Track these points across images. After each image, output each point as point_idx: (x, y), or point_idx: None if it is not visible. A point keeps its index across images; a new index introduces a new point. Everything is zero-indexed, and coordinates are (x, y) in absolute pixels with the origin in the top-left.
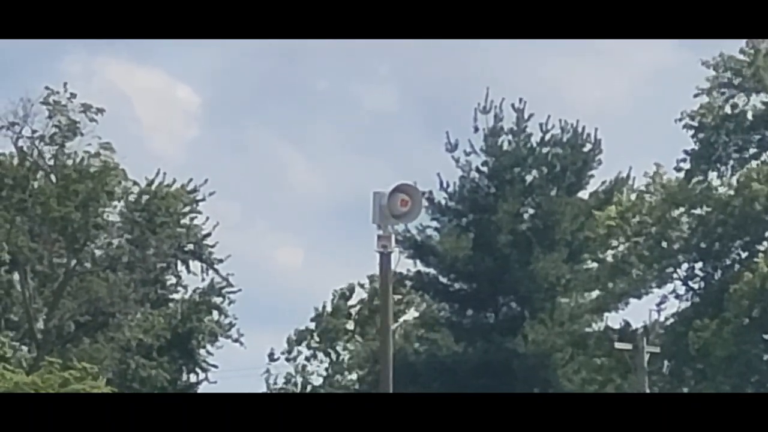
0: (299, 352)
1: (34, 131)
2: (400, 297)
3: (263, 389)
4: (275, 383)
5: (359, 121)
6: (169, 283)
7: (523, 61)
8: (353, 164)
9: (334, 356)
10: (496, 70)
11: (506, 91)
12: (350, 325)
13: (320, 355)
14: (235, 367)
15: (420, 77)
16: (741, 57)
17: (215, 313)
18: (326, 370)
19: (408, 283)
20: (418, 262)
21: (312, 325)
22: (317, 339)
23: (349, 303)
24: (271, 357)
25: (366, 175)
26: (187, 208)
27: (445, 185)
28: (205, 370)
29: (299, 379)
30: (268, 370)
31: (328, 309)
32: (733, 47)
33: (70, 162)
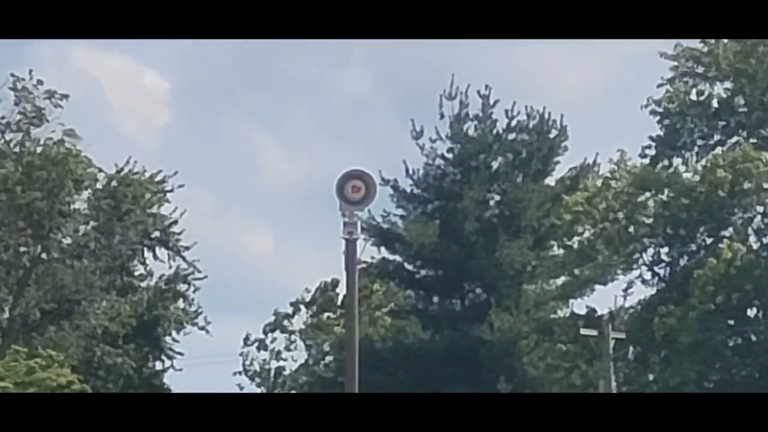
0: (273, 339)
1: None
2: (366, 284)
3: (229, 376)
4: (249, 367)
5: (332, 107)
6: (135, 271)
7: (492, 47)
8: (325, 151)
9: (302, 344)
10: (465, 56)
11: (473, 78)
12: (314, 313)
13: (290, 342)
14: (202, 354)
15: (392, 63)
16: (701, 47)
17: (181, 300)
18: (292, 358)
19: (374, 270)
20: (383, 249)
21: (281, 313)
22: (287, 326)
23: (313, 289)
24: (246, 341)
25: (338, 162)
26: (156, 197)
27: (411, 172)
28: (171, 358)
29: (272, 365)
30: (242, 354)
31: (299, 297)
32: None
33: (35, 149)
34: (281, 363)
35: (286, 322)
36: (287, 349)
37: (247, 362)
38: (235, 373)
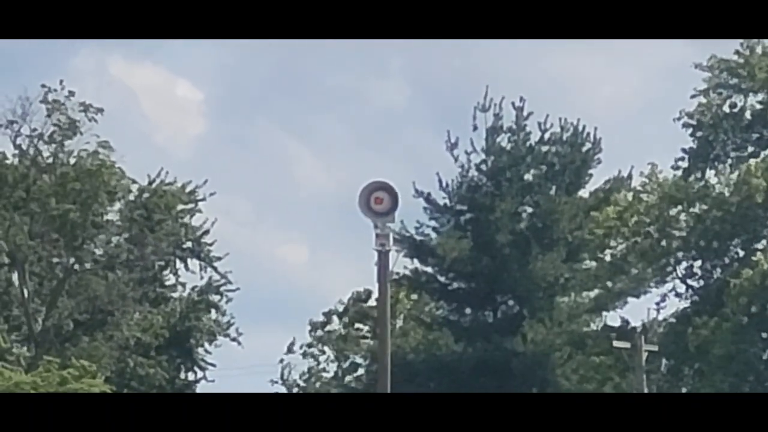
0: (307, 350)
1: (33, 129)
2: (398, 296)
3: (262, 389)
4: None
5: (368, 117)
6: (167, 281)
7: (525, 58)
8: (360, 161)
9: (337, 355)
10: (501, 68)
11: (508, 90)
12: (346, 324)
13: (324, 353)
14: (235, 365)
15: (429, 73)
16: (735, 58)
17: (213, 311)
18: (324, 369)
19: (406, 282)
20: (416, 260)
21: (318, 324)
22: (322, 337)
23: (351, 300)
24: (290, 349)
25: (372, 173)
26: (188, 207)
27: (444, 184)
28: (203, 369)
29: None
30: (283, 362)
31: (335, 308)
32: (728, 49)
33: (69, 160)
34: (317, 374)
35: (319, 332)
36: (320, 360)
37: (286, 371)
38: (272, 382)
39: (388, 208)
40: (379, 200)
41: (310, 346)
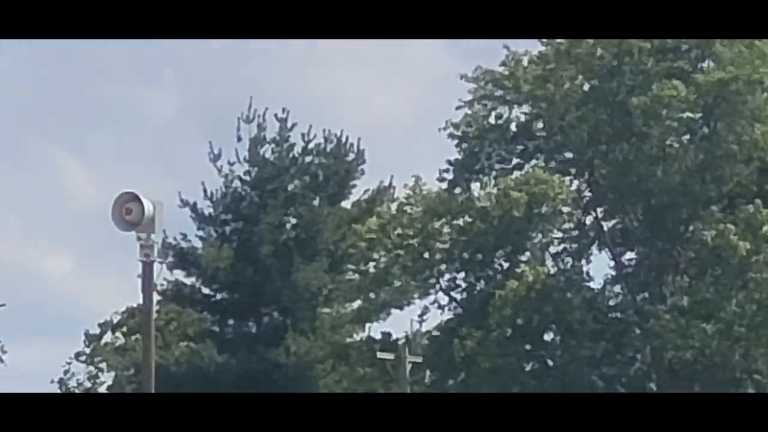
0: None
1: None
2: (166, 308)
3: None
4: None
5: (138, 128)
6: None
7: (295, 69)
8: (130, 173)
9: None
10: (265, 78)
11: (270, 101)
12: (122, 336)
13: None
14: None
15: (199, 82)
16: (501, 69)
17: None
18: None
19: (169, 293)
20: (180, 271)
21: (92, 334)
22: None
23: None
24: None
25: (141, 185)
26: None
27: (209, 195)
28: None
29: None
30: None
31: (111, 319)
32: (494, 60)
33: None
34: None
35: (95, 345)
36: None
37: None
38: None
39: (138, 219)
40: (129, 210)
41: (82, 356)
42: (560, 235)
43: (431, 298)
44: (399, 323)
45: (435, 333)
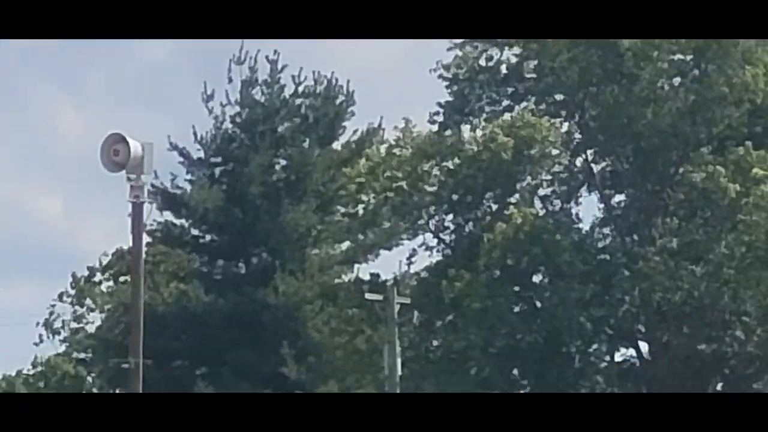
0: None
1: None
2: (151, 247)
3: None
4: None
5: (130, 70)
6: None
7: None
8: (122, 114)
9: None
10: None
11: (261, 43)
12: (109, 277)
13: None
14: None
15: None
16: None
17: None
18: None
19: (159, 235)
20: (169, 213)
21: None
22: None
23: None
24: (61, 298)
25: (133, 126)
26: None
27: (199, 137)
28: None
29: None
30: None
31: (101, 260)
32: None
33: None
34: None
35: (82, 286)
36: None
37: (52, 318)
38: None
39: (125, 160)
40: (116, 152)
41: (70, 297)
42: (549, 177)
43: (420, 239)
44: (387, 264)
45: (423, 274)
